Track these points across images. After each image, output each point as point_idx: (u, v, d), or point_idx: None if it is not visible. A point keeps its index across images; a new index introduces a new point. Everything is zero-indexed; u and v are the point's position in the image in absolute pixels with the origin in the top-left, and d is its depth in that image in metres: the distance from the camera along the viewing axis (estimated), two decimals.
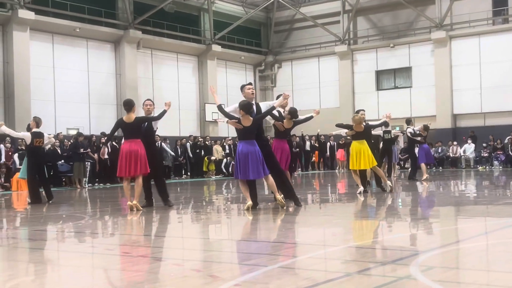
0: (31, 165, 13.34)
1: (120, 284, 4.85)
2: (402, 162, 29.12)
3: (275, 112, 10.72)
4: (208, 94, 33.01)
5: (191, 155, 26.28)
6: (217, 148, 27.38)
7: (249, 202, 9.85)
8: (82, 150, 20.74)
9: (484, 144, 29.09)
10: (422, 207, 11.00)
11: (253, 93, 10.32)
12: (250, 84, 10.57)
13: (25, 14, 24.60)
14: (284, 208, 9.92)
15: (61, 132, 23.57)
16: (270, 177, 10.04)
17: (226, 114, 10.03)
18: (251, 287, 4.35)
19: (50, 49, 26.47)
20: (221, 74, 34.56)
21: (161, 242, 7.47)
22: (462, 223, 8.26)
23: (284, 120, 11.07)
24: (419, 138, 18.32)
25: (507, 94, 29.76)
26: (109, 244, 7.31)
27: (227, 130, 33.52)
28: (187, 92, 32.48)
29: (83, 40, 27.74)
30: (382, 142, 18.50)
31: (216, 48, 33.24)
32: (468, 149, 29.27)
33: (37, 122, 13.63)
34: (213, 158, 26.88)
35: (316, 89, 35.57)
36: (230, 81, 35.14)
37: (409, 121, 18.95)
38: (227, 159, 27.32)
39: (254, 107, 10.17)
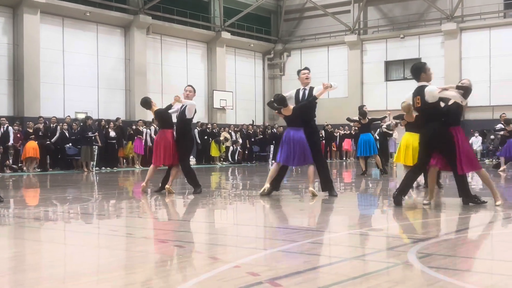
0: None
1: (122, 264, 4.96)
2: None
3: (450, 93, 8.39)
4: (217, 81, 33.07)
5: (199, 141, 26.36)
6: (225, 135, 27.44)
7: (266, 185, 10.04)
8: (90, 133, 20.87)
9: (492, 137, 29.02)
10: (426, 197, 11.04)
11: (307, 78, 10.31)
12: (305, 69, 10.49)
13: None
14: (316, 197, 9.94)
15: (69, 116, 23.71)
16: (312, 167, 10.08)
17: (273, 107, 10.29)
18: (250, 269, 4.44)
19: (60, 32, 26.58)
20: (230, 62, 34.58)
21: (164, 225, 7.58)
22: (464, 213, 8.31)
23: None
24: None
25: None
26: (114, 225, 7.42)
27: (235, 118, 33.63)
28: (195, 79, 32.50)
29: (93, 24, 27.82)
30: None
31: (226, 35, 33.24)
32: (475, 142, 29.21)
33: None
34: (222, 138, 26.83)
35: (325, 78, 35.44)
36: (239, 68, 35.20)
37: (508, 121, 18.72)
38: (233, 147, 27.40)
39: (307, 91, 10.19)
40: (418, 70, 8.48)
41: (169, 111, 11.19)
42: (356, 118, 17.20)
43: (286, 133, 10.10)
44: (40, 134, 20.64)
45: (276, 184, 10.24)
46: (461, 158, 8.18)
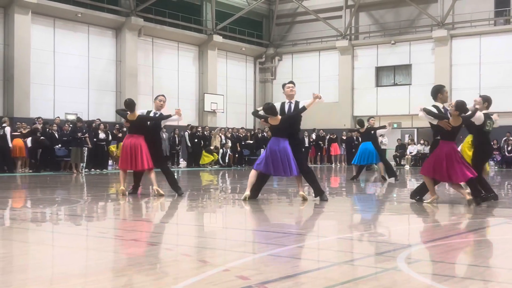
0: None
1: (111, 266, 4.94)
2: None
3: (433, 109, 9.49)
4: (208, 84, 33.06)
5: (189, 144, 26.32)
6: (215, 144, 27.35)
7: (247, 193, 9.95)
8: (80, 135, 20.78)
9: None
10: (415, 202, 11.08)
11: (291, 91, 10.32)
12: (290, 83, 10.52)
13: None
14: (307, 200, 10.00)
15: (58, 117, 23.62)
16: (299, 177, 10.17)
17: (258, 116, 10.33)
18: (239, 273, 4.43)
19: (51, 33, 26.50)
20: (222, 65, 34.59)
21: (154, 227, 7.55)
22: (453, 220, 8.36)
23: (451, 119, 9.28)
24: None
25: (505, 95, 29.84)
26: (103, 227, 7.39)
27: (225, 121, 33.62)
28: (186, 82, 32.53)
29: (85, 26, 27.76)
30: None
31: (217, 38, 33.26)
32: None
33: None
34: (212, 147, 26.86)
35: (316, 83, 35.61)
36: (230, 72, 35.21)
37: None
38: (223, 150, 27.37)
39: (293, 105, 10.20)
40: (436, 91, 9.75)
41: (168, 119, 11.20)
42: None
43: (271, 142, 10.04)
44: (38, 134, 20.66)
45: (255, 192, 10.21)
46: (426, 161, 9.86)
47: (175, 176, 11.60)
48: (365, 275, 4.51)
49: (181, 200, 10.62)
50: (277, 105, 10.23)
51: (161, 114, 11.20)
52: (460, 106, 9.17)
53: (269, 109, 9.98)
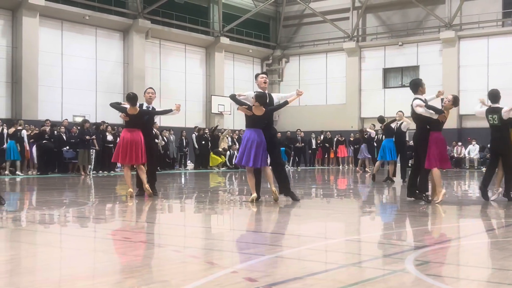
0: None
1: (119, 268, 4.94)
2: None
3: (421, 102, 10.15)
4: (215, 86, 33.08)
5: (196, 147, 26.32)
6: (223, 146, 27.35)
7: (254, 195, 9.91)
8: (87, 137, 20.83)
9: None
10: (423, 204, 11.04)
11: (265, 83, 10.37)
12: (264, 73, 10.63)
13: (35, 0, 24.70)
14: (277, 201, 9.95)
15: (66, 119, 23.69)
16: (268, 169, 10.13)
17: (238, 102, 10.13)
18: (247, 275, 4.43)
19: (59, 35, 26.59)
20: (229, 67, 34.61)
21: (162, 229, 7.56)
22: (460, 222, 8.32)
23: (445, 111, 10.14)
24: None
25: None
26: (111, 229, 7.40)
27: (233, 123, 33.61)
28: (194, 84, 32.56)
29: (92, 28, 27.84)
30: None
31: (225, 40, 33.28)
32: (473, 150, 29.25)
33: None
34: (220, 149, 26.89)
35: (323, 85, 35.60)
36: (237, 74, 35.21)
37: None
38: (230, 151, 27.38)
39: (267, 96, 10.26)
40: (417, 85, 10.40)
41: (168, 114, 11.51)
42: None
43: (247, 134, 9.94)
44: (46, 136, 20.74)
45: (256, 191, 10.17)
46: (430, 156, 9.86)
47: (156, 177, 11.63)
48: (373, 277, 4.49)
49: (188, 202, 10.63)
50: (250, 94, 10.18)
51: (153, 108, 11.40)
52: (457, 100, 10.28)
53: (262, 97, 9.89)
